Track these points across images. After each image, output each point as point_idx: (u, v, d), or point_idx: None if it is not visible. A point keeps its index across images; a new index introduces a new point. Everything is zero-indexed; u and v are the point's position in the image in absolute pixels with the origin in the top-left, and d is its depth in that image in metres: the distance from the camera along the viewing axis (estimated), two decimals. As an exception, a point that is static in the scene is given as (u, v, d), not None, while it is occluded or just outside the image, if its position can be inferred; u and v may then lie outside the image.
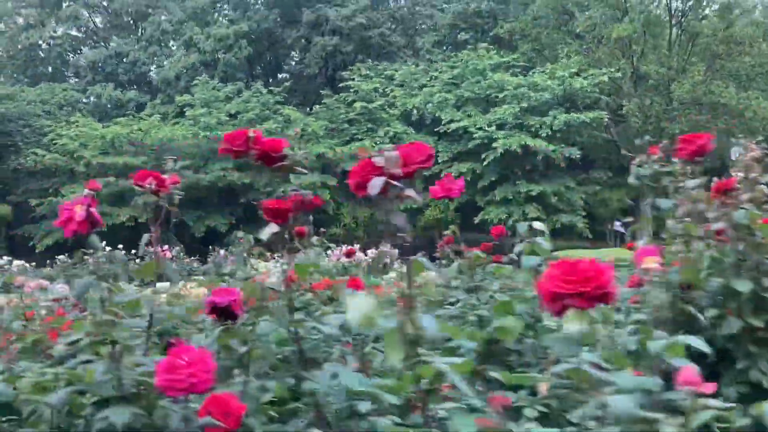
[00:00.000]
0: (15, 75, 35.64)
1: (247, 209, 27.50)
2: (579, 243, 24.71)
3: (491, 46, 29.11)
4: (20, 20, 34.88)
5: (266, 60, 36.86)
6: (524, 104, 24.72)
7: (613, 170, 27.81)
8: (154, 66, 35.13)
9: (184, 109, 28.90)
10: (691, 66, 26.82)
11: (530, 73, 26.64)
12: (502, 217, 23.96)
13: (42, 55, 36.97)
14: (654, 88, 28.07)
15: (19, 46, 34.33)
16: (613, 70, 25.55)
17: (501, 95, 25.38)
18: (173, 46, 35.81)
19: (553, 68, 26.33)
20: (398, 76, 28.32)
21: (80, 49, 37.93)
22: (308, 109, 31.35)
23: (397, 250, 17.87)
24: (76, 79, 36.14)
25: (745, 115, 24.89)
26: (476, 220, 24.71)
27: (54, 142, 26.04)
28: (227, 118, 27.16)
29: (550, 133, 24.30)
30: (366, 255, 18.90)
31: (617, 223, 25.07)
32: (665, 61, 27.09)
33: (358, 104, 27.12)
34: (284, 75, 36.35)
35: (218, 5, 35.76)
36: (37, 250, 23.68)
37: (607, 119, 25.67)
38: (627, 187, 24.04)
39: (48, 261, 19.80)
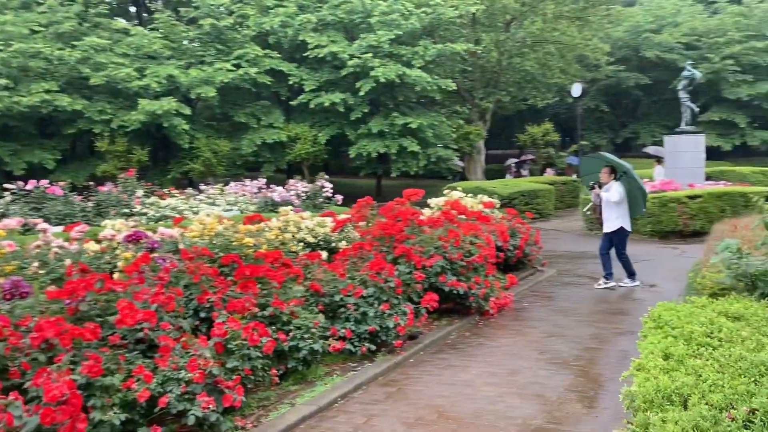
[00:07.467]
0: None
1: (77, 141, 22.94)
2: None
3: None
4: None
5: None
6: (397, 31, 23.43)
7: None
8: None
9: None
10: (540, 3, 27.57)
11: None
12: (381, 150, 22.87)
13: None
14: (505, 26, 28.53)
15: None
16: (471, 2, 25.16)
17: (371, 21, 23.75)
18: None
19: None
20: (247, -8, 25.15)
21: None
22: (136, 22, 26.81)
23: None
24: None
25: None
26: (351, 153, 23.33)
27: None
28: (43, 29, 21.99)
29: (423, 63, 23.42)
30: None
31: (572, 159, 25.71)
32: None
33: (207, 21, 23.59)
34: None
35: None
36: None
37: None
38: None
39: None
